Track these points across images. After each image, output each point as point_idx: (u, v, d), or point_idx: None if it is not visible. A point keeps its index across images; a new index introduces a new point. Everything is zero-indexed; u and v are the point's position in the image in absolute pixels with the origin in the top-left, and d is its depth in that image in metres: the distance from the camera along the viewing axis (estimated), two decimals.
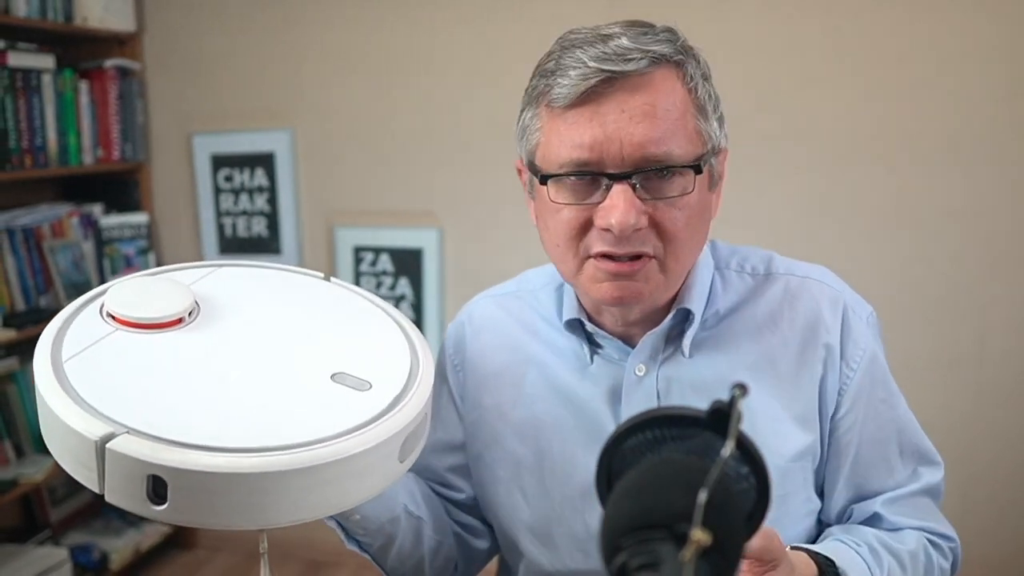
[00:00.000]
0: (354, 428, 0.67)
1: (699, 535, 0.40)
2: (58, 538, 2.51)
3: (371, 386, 0.72)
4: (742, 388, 0.48)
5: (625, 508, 0.46)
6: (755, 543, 0.66)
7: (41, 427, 0.68)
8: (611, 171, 0.76)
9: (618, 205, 0.75)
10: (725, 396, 0.86)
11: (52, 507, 2.56)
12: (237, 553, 2.78)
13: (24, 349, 2.38)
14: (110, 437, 0.61)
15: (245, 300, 0.81)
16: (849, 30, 2.11)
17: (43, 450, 2.38)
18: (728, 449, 0.45)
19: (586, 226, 0.79)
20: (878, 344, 0.90)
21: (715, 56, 0.85)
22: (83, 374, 0.67)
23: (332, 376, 0.72)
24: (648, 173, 0.76)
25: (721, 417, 0.49)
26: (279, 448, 0.63)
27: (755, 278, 0.91)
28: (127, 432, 0.62)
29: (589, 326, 0.89)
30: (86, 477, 0.63)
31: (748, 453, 0.51)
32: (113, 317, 0.73)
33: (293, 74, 2.55)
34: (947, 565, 0.89)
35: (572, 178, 0.78)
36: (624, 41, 0.75)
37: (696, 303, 0.86)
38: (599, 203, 0.77)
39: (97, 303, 0.76)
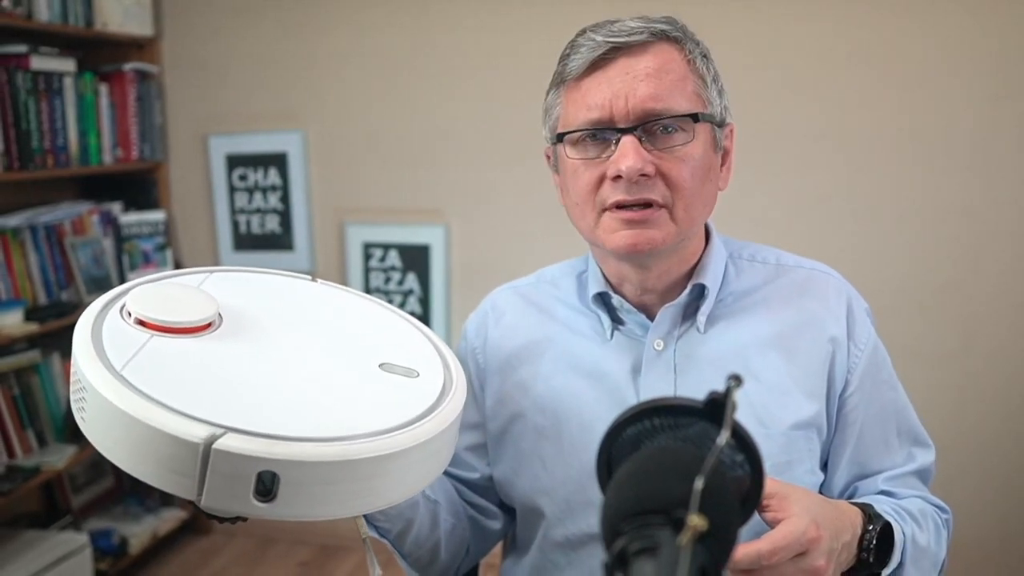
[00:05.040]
0: (431, 408, 0.70)
1: (696, 521, 0.42)
2: (79, 524, 2.54)
3: (419, 373, 0.75)
4: (737, 379, 0.50)
5: (624, 494, 0.47)
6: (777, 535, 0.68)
7: (102, 440, 0.63)
8: (619, 125, 0.85)
9: (627, 153, 0.84)
10: (738, 369, 0.92)
11: (73, 494, 2.60)
12: (251, 539, 2.82)
13: (46, 342, 2.42)
14: (214, 438, 0.58)
15: (257, 302, 0.80)
16: (847, 30, 2.13)
17: (64, 439, 2.43)
18: (723, 438, 0.47)
19: (600, 180, 0.87)
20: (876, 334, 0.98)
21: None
22: (150, 380, 0.62)
23: (380, 366, 0.74)
24: (651, 126, 0.85)
25: (717, 407, 0.51)
26: (378, 433, 0.64)
27: (766, 267, 0.99)
28: (228, 432, 0.59)
29: (616, 299, 0.95)
30: (178, 484, 0.59)
31: (743, 441, 0.53)
32: (144, 323, 0.69)
33: (305, 77, 2.59)
34: (945, 532, 0.94)
35: (587, 138, 0.88)
36: (629, 22, 0.87)
37: (711, 279, 0.94)
38: (610, 158, 0.86)
39: (113, 310, 0.72)
